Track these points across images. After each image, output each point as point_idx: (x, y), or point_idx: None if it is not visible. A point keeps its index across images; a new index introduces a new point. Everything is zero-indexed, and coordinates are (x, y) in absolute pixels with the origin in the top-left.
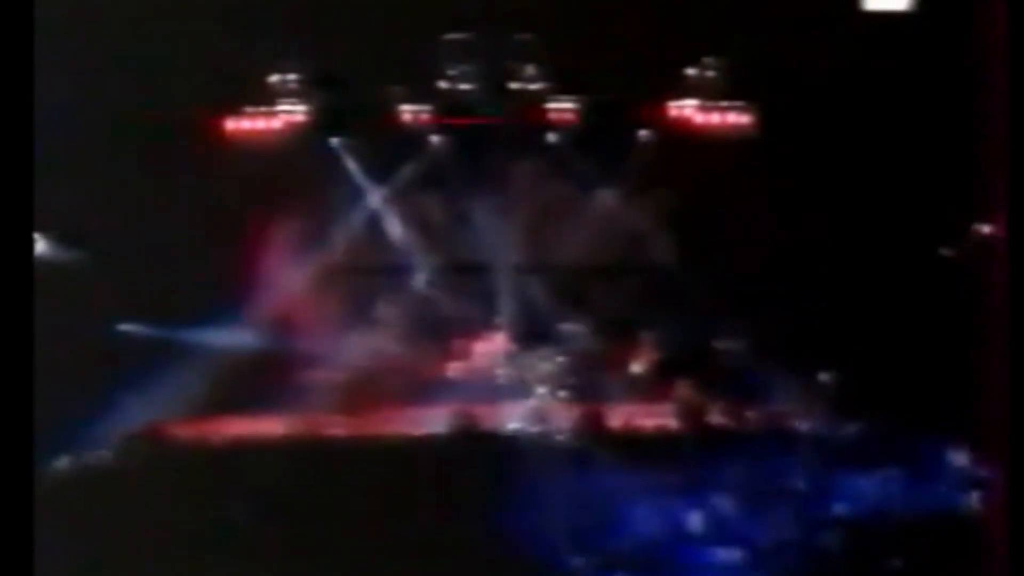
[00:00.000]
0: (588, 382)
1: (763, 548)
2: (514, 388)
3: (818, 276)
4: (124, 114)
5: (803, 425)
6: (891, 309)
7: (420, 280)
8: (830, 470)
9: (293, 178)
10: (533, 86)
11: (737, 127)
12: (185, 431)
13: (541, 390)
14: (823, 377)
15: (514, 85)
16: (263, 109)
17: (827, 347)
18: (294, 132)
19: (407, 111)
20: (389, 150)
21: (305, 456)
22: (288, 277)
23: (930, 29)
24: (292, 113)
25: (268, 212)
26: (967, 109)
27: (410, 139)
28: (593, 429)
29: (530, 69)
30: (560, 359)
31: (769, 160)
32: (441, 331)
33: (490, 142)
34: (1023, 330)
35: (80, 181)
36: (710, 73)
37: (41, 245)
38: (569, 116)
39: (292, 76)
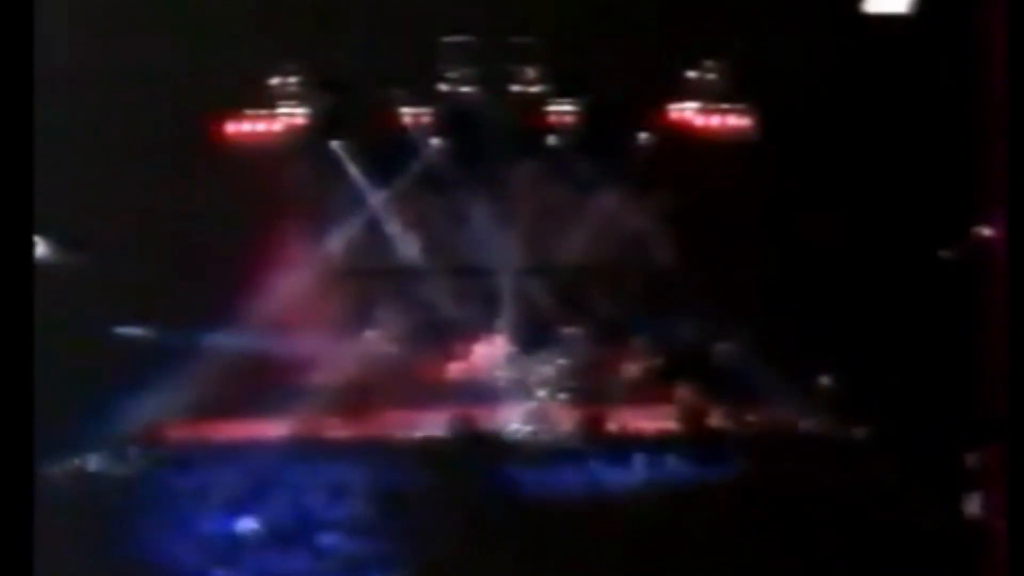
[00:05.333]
0: (588, 385)
1: None
2: (514, 391)
3: (818, 278)
4: (125, 116)
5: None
6: (891, 311)
7: (420, 283)
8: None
9: (293, 181)
10: (534, 89)
11: (737, 129)
12: (184, 433)
13: (541, 393)
14: (824, 379)
15: (515, 88)
16: (263, 112)
17: (827, 349)
18: (294, 135)
19: (407, 114)
20: (389, 153)
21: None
22: (288, 279)
23: (930, 31)
24: (292, 116)
25: (268, 215)
26: (967, 111)
27: (410, 142)
28: (593, 432)
29: (531, 72)
30: (560, 362)
31: (769, 163)
32: (441, 334)
33: (490, 145)
34: (1023, 331)
35: (80, 182)
36: (710, 75)
37: (41, 247)
38: (570, 119)
39: (292, 79)
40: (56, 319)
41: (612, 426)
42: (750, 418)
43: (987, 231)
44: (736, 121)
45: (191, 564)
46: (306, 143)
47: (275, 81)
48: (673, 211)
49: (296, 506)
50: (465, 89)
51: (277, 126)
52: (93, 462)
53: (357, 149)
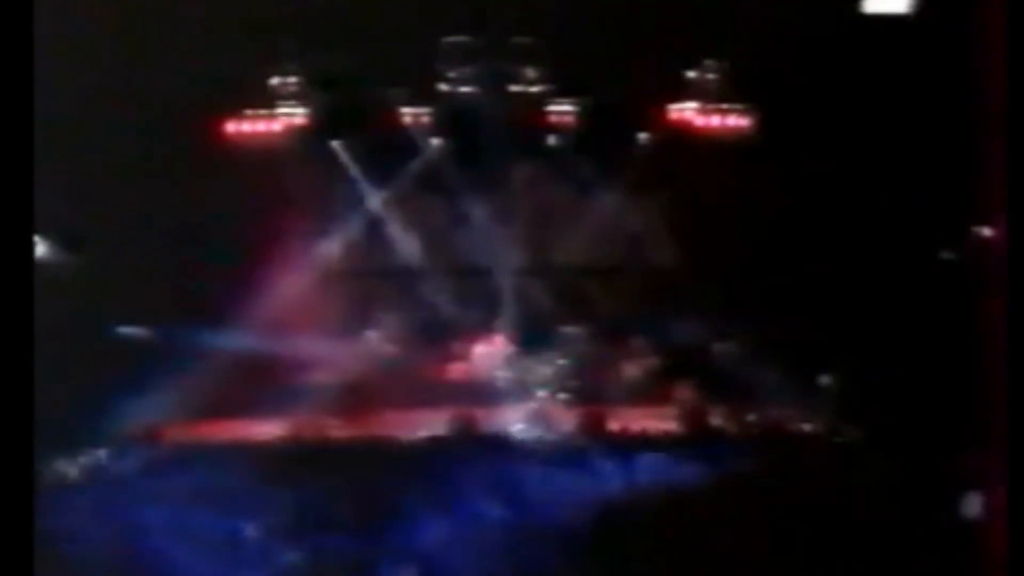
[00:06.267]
0: (588, 385)
1: None
2: (514, 391)
3: (818, 279)
4: (124, 115)
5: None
6: (891, 312)
7: (420, 283)
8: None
9: (293, 180)
10: (533, 89)
11: (737, 130)
12: (184, 433)
13: (541, 393)
14: (823, 380)
15: (514, 88)
16: (263, 111)
17: (827, 350)
18: (294, 135)
19: (407, 113)
20: (389, 153)
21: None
22: (288, 279)
23: (930, 31)
24: (292, 115)
25: (268, 215)
26: (967, 111)
27: (410, 142)
28: (594, 432)
29: (530, 72)
30: (560, 362)
31: (769, 162)
32: (441, 334)
33: (490, 145)
34: (1023, 332)
35: (80, 182)
36: (710, 76)
37: (41, 247)
38: (569, 119)
39: (292, 78)
40: (56, 319)
41: (612, 426)
42: (750, 418)
43: (987, 231)
44: (736, 121)
45: (190, 564)
46: (306, 143)
47: (275, 81)
48: (673, 211)
49: (296, 506)
50: (465, 89)
51: (277, 126)
52: (93, 461)
53: (357, 149)
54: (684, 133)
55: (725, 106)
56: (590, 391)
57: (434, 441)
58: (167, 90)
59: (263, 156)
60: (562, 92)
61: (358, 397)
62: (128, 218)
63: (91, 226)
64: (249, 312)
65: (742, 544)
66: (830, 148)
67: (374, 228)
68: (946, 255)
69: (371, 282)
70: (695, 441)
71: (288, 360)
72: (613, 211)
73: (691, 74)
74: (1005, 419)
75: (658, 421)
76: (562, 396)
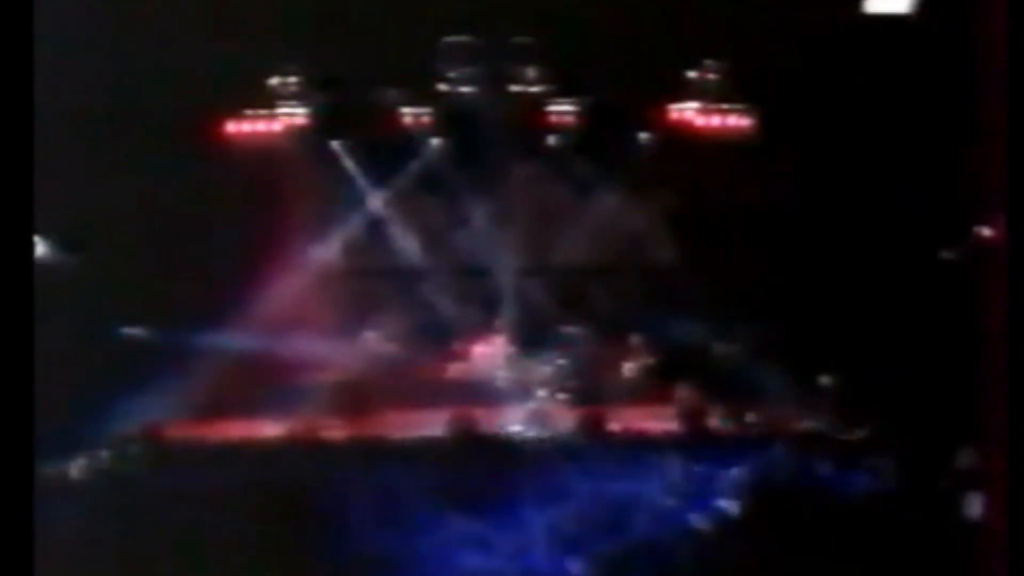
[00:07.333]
0: (588, 385)
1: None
2: (514, 391)
3: (818, 279)
4: (124, 115)
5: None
6: (891, 312)
7: (420, 283)
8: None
9: (293, 181)
10: (534, 89)
11: (738, 130)
12: (183, 433)
13: (541, 393)
14: (823, 380)
15: (514, 88)
16: (263, 111)
17: (827, 350)
18: (294, 135)
19: (407, 113)
20: (389, 153)
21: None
22: (288, 279)
23: (930, 32)
24: (292, 115)
25: (268, 215)
26: (967, 111)
27: (410, 142)
28: (593, 432)
29: (530, 71)
30: (560, 362)
31: (769, 163)
32: (441, 334)
33: (490, 145)
34: (1023, 332)
35: (80, 182)
36: (711, 76)
37: (41, 247)
38: (569, 119)
39: (292, 78)
40: (56, 319)
41: (612, 426)
42: (750, 418)
43: (987, 231)
44: (736, 121)
45: (191, 564)
46: (306, 143)
47: (275, 81)
48: (673, 211)
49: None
50: (465, 89)
51: (277, 126)
52: (93, 461)
53: (357, 149)
54: (684, 133)
55: (725, 106)
56: (590, 391)
57: (434, 441)
58: (167, 90)
59: (263, 156)
60: (562, 92)
61: (358, 397)
62: (128, 218)
63: (91, 226)
64: (249, 312)
65: (740, 543)
66: (830, 148)
67: (374, 228)
68: (946, 255)
69: (371, 282)
70: (695, 441)
71: (288, 360)
72: (613, 211)
73: (691, 74)
74: (1005, 419)
75: (658, 421)
76: (562, 396)
